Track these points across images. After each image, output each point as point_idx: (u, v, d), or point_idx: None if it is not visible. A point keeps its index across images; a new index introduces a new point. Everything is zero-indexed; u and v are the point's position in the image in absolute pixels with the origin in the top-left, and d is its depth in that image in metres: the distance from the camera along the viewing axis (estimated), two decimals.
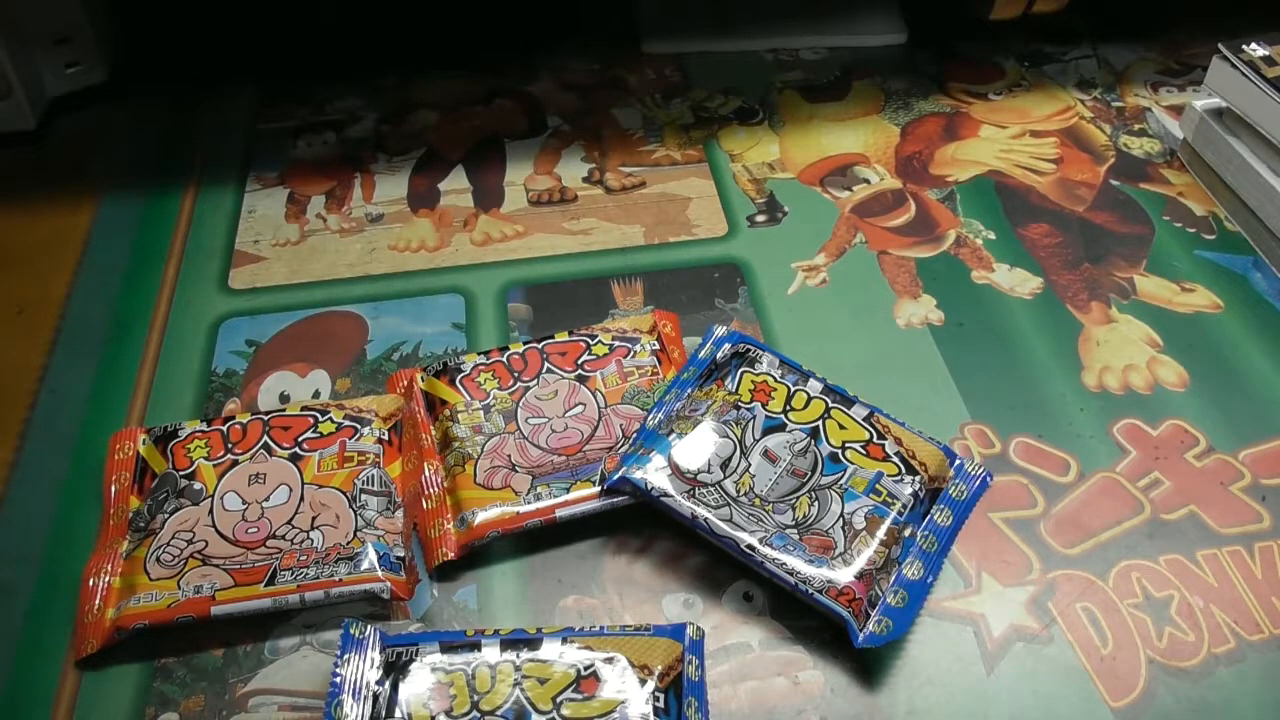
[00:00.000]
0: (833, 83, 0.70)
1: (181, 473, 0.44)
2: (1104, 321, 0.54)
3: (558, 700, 0.36)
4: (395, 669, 0.37)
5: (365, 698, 0.36)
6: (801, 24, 0.74)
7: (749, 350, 0.48)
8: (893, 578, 0.41)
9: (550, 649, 0.37)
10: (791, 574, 0.40)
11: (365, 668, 0.37)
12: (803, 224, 0.59)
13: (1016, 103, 0.68)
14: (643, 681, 0.37)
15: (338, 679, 0.36)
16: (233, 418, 0.46)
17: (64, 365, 0.51)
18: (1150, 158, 0.64)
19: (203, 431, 0.46)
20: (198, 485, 0.44)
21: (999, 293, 0.55)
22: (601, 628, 0.39)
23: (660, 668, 0.37)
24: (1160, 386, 0.51)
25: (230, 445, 0.45)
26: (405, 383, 0.49)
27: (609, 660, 0.37)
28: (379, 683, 0.37)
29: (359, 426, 0.46)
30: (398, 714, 0.36)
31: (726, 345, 0.48)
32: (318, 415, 0.46)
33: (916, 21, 0.74)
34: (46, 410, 0.49)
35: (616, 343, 0.49)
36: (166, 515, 0.43)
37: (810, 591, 0.39)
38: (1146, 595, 0.43)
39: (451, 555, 0.43)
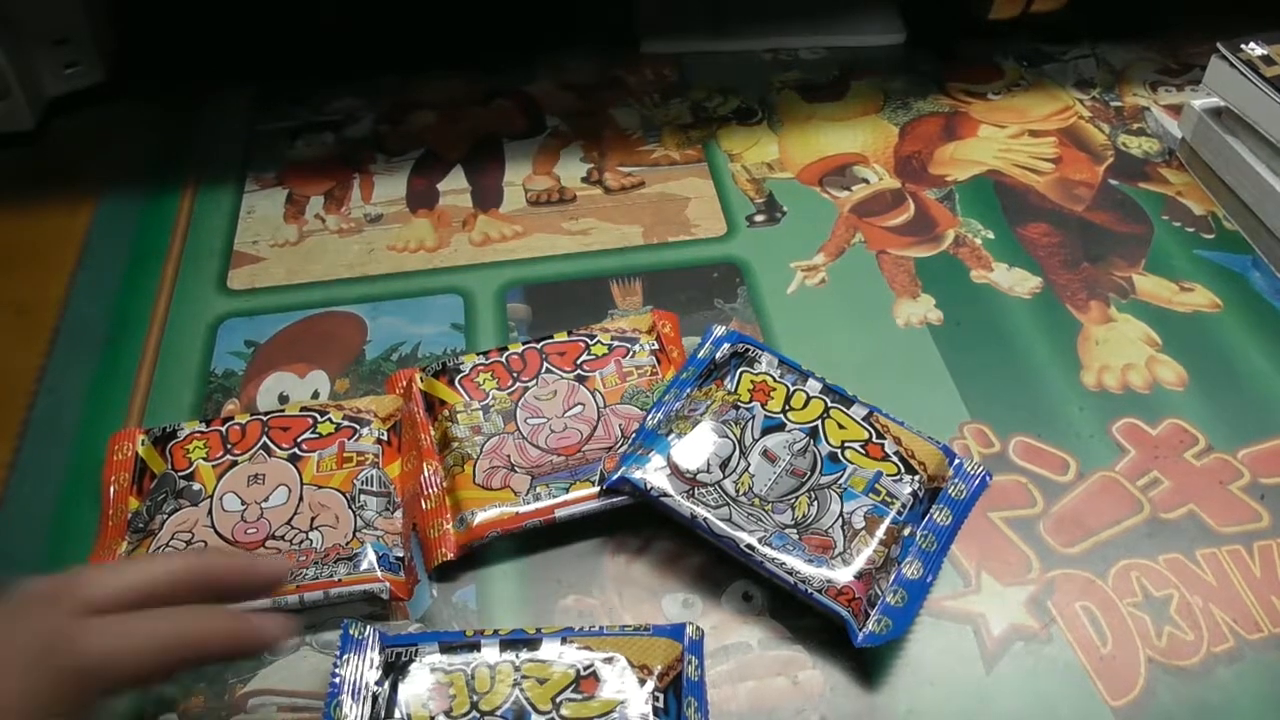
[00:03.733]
0: (831, 82, 0.70)
1: (180, 473, 0.44)
2: (1103, 321, 0.54)
3: (557, 700, 0.36)
4: (395, 669, 0.37)
5: (365, 698, 0.36)
6: (800, 24, 0.74)
7: (748, 350, 0.48)
8: (892, 577, 0.41)
9: (550, 649, 0.37)
10: (791, 573, 0.40)
11: (364, 668, 0.37)
12: (802, 224, 0.59)
13: (1015, 102, 0.68)
14: (642, 681, 0.37)
15: (337, 679, 0.36)
16: (231, 418, 0.46)
17: (63, 366, 0.51)
18: (1149, 157, 0.64)
19: (201, 432, 0.46)
20: (196, 486, 0.44)
21: (998, 292, 0.55)
22: (601, 628, 0.39)
23: (660, 668, 0.37)
24: (1159, 386, 0.51)
25: (229, 446, 0.45)
26: (405, 383, 0.49)
27: (608, 660, 0.37)
28: (378, 683, 0.37)
29: (358, 427, 0.46)
30: (397, 714, 0.36)
31: (725, 345, 0.48)
32: (317, 416, 0.46)
33: (915, 21, 0.74)
34: (45, 411, 0.49)
35: (615, 343, 0.49)
36: (165, 516, 0.43)
37: (810, 591, 0.39)
38: (1146, 594, 0.43)
39: (451, 556, 0.43)
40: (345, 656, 0.37)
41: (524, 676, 0.37)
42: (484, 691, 0.36)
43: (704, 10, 0.75)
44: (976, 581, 0.43)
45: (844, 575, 0.40)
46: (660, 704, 0.36)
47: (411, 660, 0.37)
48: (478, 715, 0.36)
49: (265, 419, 0.46)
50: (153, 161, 0.64)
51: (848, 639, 0.39)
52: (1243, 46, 0.58)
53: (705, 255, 0.57)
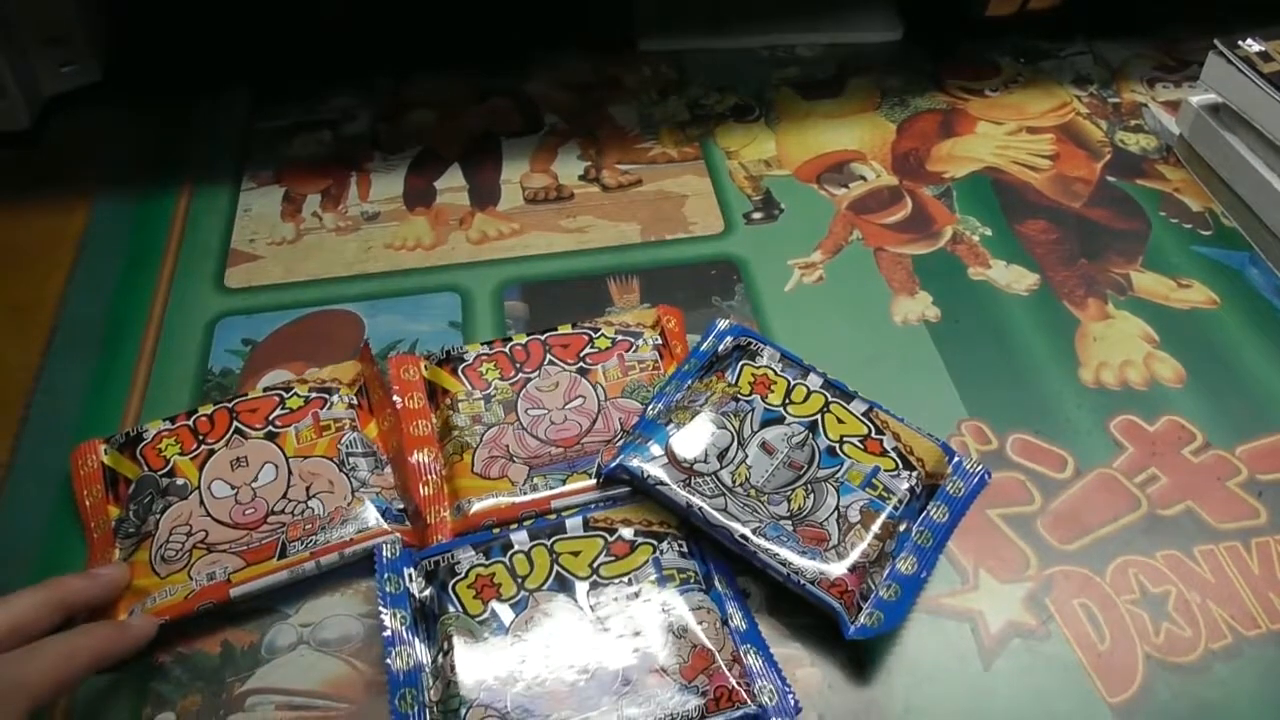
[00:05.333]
0: (829, 80, 0.70)
1: (159, 472, 0.44)
2: (1101, 318, 0.54)
3: (595, 565, 0.40)
4: (436, 576, 0.39)
5: (415, 607, 0.39)
6: (798, 21, 0.74)
7: (750, 343, 0.48)
8: (886, 571, 0.41)
9: (574, 526, 0.41)
10: (784, 565, 0.40)
11: (405, 582, 0.39)
12: (799, 221, 0.59)
13: (1013, 99, 0.68)
14: (662, 536, 0.41)
15: (384, 596, 0.39)
16: (195, 411, 0.46)
17: (60, 365, 0.51)
18: (1146, 154, 0.64)
19: (169, 430, 0.46)
20: (180, 481, 0.44)
21: (996, 289, 0.55)
22: (613, 500, 0.43)
23: (676, 521, 0.42)
24: (1157, 382, 0.51)
25: (201, 437, 0.45)
26: (408, 366, 0.49)
27: (628, 523, 0.42)
28: (423, 591, 0.39)
29: (327, 396, 0.47)
30: (450, 609, 0.38)
31: (729, 338, 0.48)
32: (283, 393, 0.47)
33: (912, 18, 0.74)
34: (42, 411, 0.49)
35: (620, 336, 0.50)
36: (157, 515, 0.43)
37: (802, 582, 0.39)
38: (1144, 591, 0.43)
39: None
40: (386, 576, 0.39)
41: (558, 554, 0.40)
42: (526, 574, 0.40)
43: (702, 8, 0.75)
44: (974, 579, 0.43)
45: (837, 568, 0.40)
46: (685, 549, 0.41)
47: (452, 564, 0.40)
48: (527, 594, 0.39)
49: (231, 405, 0.46)
50: (149, 160, 0.64)
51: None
52: (1240, 43, 0.58)
53: (703, 253, 0.57)
